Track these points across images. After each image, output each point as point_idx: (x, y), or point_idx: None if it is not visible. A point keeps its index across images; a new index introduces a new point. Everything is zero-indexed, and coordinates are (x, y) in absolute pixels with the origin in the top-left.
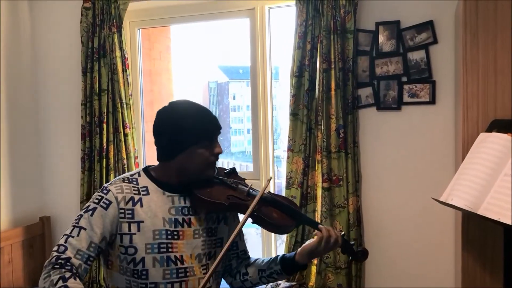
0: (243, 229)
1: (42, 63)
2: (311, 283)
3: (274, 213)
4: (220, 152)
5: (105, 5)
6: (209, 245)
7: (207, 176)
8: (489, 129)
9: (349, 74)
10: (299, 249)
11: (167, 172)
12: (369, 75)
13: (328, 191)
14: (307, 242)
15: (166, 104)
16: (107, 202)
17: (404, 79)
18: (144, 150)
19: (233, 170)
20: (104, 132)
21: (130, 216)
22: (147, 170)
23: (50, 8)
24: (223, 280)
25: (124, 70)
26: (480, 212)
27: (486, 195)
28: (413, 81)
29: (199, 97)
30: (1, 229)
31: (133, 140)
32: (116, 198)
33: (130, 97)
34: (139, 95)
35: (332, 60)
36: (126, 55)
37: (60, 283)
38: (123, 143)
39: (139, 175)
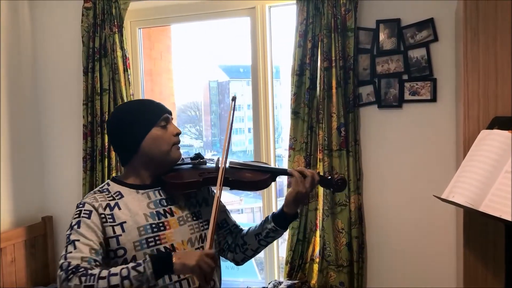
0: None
1: (43, 63)
2: (313, 281)
3: (247, 173)
4: (179, 132)
5: (105, 5)
6: (197, 228)
7: (174, 159)
8: (490, 127)
9: (350, 72)
10: (284, 200)
11: (134, 172)
12: (370, 73)
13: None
14: (288, 191)
15: (168, 103)
16: (87, 211)
17: (405, 77)
18: None
19: (198, 155)
20: (106, 131)
21: (111, 220)
22: (114, 178)
23: (50, 8)
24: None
25: (125, 70)
26: (482, 209)
27: (487, 192)
28: (414, 79)
29: (200, 97)
30: (3, 229)
31: None
32: (93, 206)
33: (131, 96)
34: (140, 94)
35: (333, 58)
36: (127, 55)
37: (84, 278)
38: None
39: (109, 185)
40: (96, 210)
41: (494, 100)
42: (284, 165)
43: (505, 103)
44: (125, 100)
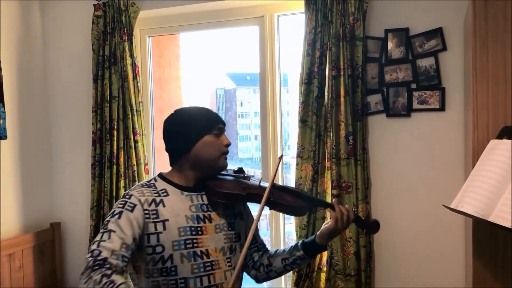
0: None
1: (54, 71)
2: None
3: (288, 197)
4: (229, 144)
5: (116, 13)
6: (230, 239)
7: (220, 166)
8: (499, 136)
9: (358, 81)
10: (318, 232)
11: (181, 173)
12: (378, 82)
13: (338, 198)
14: (325, 225)
15: (174, 110)
16: (132, 205)
17: (414, 86)
18: (154, 157)
19: (240, 169)
20: (115, 138)
21: (154, 216)
22: (161, 175)
23: (61, 16)
24: (245, 274)
25: (135, 78)
26: (491, 219)
27: (496, 202)
28: (422, 88)
29: (207, 104)
30: (12, 235)
31: (143, 146)
32: (139, 200)
33: (140, 104)
34: (149, 102)
35: (341, 67)
36: (136, 63)
37: (105, 280)
38: (133, 150)
39: (156, 180)
40: (142, 205)
41: (504, 109)
42: (292, 172)
43: None
44: (134, 108)
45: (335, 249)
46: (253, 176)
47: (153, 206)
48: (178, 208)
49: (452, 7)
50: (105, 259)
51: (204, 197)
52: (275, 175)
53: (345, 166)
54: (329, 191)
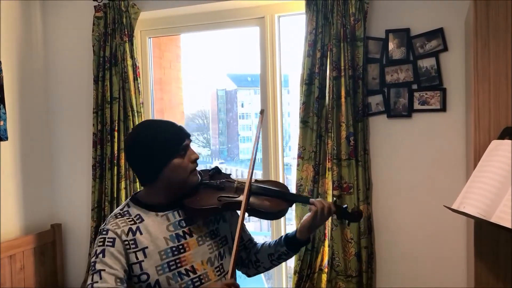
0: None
1: (54, 72)
2: None
3: (266, 201)
4: (197, 158)
5: (116, 15)
6: (216, 246)
7: (192, 184)
8: (501, 137)
9: (359, 82)
10: (299, 225)
11: (154, 194)
12: (379, 82)
13: (339, 199)
14: (304, 218)
15: (177, 112)
16: (111, 239)
17: (415, 86)
18: None
19: (216, 169)
20: (116, 140)
21: (134, 246)
22: (134, 198)
23: (62, 18)
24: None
25: (135, 79)
26: (493, 220)
27: (498, 203)
28: (423, 88)
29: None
30: (13, 236)
31: None
32: (116, 233)
33: (141, 105)
34: (150, 103)
35: (342, 67)
36: (137, 64)
37: None
38: None
39: (129, 206)
40: (120, 237)
41: (505, 110)
42: (293, 173)
43: None
44: (135, 109)
45: (336, 250)
46: (230, 175)
47: (130, 236)
48: (155, 232)
49: (453, 7)
50: None
51: (181, 213)
52: (250, 178)
53: (346, 167)
54: (330, 192)
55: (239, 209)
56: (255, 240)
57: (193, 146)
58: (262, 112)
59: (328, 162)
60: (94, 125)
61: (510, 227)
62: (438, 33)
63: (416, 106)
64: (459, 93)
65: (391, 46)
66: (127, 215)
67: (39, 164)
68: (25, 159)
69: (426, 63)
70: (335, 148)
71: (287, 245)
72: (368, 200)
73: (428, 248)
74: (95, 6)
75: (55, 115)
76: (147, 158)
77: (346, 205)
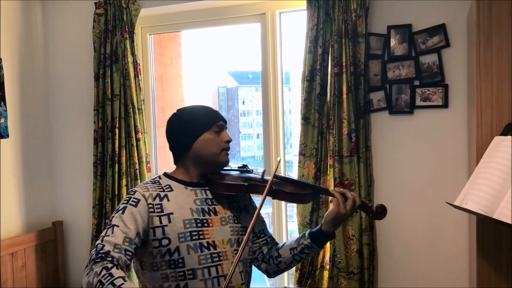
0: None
1: (55, 69)
2: (324, 286)
3: (289, 185)
4: (230, 140)
5: (117, 11)
6: (236, 231)
7: (222, 162)
8: (504, 133)
9: (360, 78)
10: (323, 218)
11: (185, 170)
12: (381, 79)
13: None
14: (328, 211)
15: (176, 109)
16: (136, 200)
17: (417, 82)
18: (156, 155)
19: (244, 165)
20: (116, 137)
21: (159, 210)
22: (166, 174)
23: (62, 14)
24: (255, 269)
25: (136, 76)
26: (496, 216)
27: (501, 199)
28: (425, 84)
29: (209, 102)
30: (14, 234)
31: (145, 145)
32: (143, 195)
33: (142, 102)
34: (151, 100)
35: (344, 64)
36: (138, 61)
37: (104, 272)
38: (135, 148)
39: (160, 178)
40: (146, 199)
41: (508, 106)
42: (294, 170)
43: None
44: (136, 106)
45: (338, 247)
46: (256, 169)
47: (157, 201)
48: (182, 201)
49: (455, 3)
50: (107, 252)
51: (208, 192)
52: (276, 168)
53: (348, 163)
54: (331, 188)
55: (263, 193)
56: (276, 240)
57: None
58: (279, 162)
59: (330, 159)
60: (95, 122)
61: None
62: (440, 29)
63: (418, 102)
64: (461, 89)
65: (393, 42)
66: (158, 183)
67: (40, 161)
68: (26, 156)
69: (428, 59)
70: (337, 145)
71: (312, 239)
72: (369, 197)
73: (430, 245)
74: (95, 3)
75: (56, 112)
76: (182, 129)
77: (371, 204)
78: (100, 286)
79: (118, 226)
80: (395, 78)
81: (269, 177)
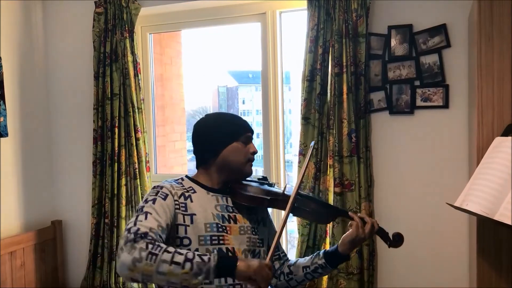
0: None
1: (55, 68)
2: None
3: (311, 204)
4: (256, 152)
5: (117, 10)
6: (253, 243)
7: (246, 172)
8: (505, 134)
9: (361, 78)
10: (340, 240)
11: (207, 175)
12: (381, 79)
13: (340, 196)
14: (346, 233)
15: (178, 108)
16: (165, 193)
17: (417, 83)
18: (156, 154)
19: (264, 177)
20: (116, 136)
21: (183, 208)
22: (188, 176)
23: (62, 13)
24: None
25: (136, 75)
26: (497, 217)
27: (502, 200)
28: (426, 85)
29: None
30: (13, 233)
31: (145, 144)
32: (170, 191)
33: (142, 101)
34: (151, 99)
35: (344, 64)
36: (137, 60)
37: (151, 245)
38: (135, 147)
39: (183, 179)
40: (173, 195)
41: (509, 106)
42: (294, 170)
43: None
44: (136, 105)
45: None
46: (277, 183)
47: (182, 199)
48: (205, 205)
49: (456, 3)
50: (145, 233)
51: (229, 199)
52: (300, 183)
53: (348, 164)
54: (331, 189)
55: (284, 209)
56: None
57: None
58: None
59: (330, 159)
60: (94, 121)
61: None
62: (441, 29)
63: (419, 102)
64: (462, 90)
65: (393, 42)
66: (181, 184)
67: (40, 160)
68: (25, 155)
69: (429, 60)
70: (337, 145)
71: (326, 259)
72: (369, 197)
73: (430, 246)
74: (95, 2)
75: (56, 111)
76: (212, 134)
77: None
78: (153, 257)
79: (151, 213)
80: (396, 78)
81: (290, 193)
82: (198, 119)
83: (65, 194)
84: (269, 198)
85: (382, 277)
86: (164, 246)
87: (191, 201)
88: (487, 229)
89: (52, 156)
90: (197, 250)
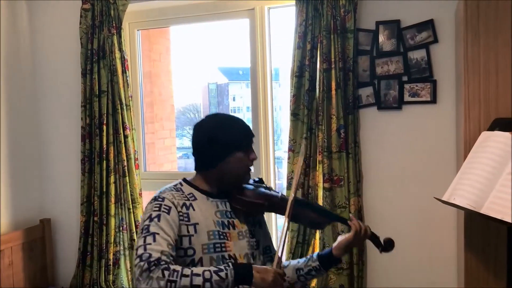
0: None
1: (42, 65)
2: (313, 284)
3: (309, 211)
4: (255, 158)
5: (104, 7)
6: (251, 246)
7: (245, 181)
8: (491, 128)
9: (349, 74)
10: (335, 243)
11: (206, 182)
12: (369, 74)
13: (330, 192)
14: (342, 237)
15: (168, 105)
16: (167, 207)
17: (405, 78)
18: (145, 152)
19: (260, 180)
20: (104, 133)
21: (186, 219)
22: (186, 180)
23: (49, 10)
24: None
25: (124, 72)
26: (483, 211)
27: (488, 194)
28: (414, 80)
29: (199, 99)
30: (2, 232)
31: (133, 141)
32: (173, 202)
33: (130, 98)
34: (139, 96)
35: (333, 60)
36: (125, 57)
37: (167, 272)
38: (123, 145)
39: (181, 185)
40: (176, 207)
41: (495, 101)
42: (284, 167)
43: (506, 104)
44: (124, 102)
45: (327, 243)
46: (273, 188)
47: (184, 209)
48: (206, 212)
49: None
50: (158, 259)
51: (227, 204)
52: (295, 191)
53: (337, 159)
54: (320, 184)
55: (282, 214)
56: None
57: (185, 140)
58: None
59: (319, 155)
60: (82, 118)
61: (499, 218)
62: (428, 25)
63: (407, 98)
64: (449, 85)
65: (381, 38)
66: (181, 191)
67: (28, 158)
68: (13, 154)
69: (417, 55)
70: (326, 140)
71: (320, 261)
72: (358, 192)
73: (419, 240)
74: None
75: (43, 109)
76: (213, 145)
77: (379, 236)
78: (172, 284)
79: (158, 234)
80: (384, 73)
81: (287, 197)
82: (193, 116)
83: (54, 192)
84: (266, 203)
85: (371, 271)
86: (179, 269)
87: (193, 209)
88: (475, 223)
89: (40, 154)
90: (201, 259)
